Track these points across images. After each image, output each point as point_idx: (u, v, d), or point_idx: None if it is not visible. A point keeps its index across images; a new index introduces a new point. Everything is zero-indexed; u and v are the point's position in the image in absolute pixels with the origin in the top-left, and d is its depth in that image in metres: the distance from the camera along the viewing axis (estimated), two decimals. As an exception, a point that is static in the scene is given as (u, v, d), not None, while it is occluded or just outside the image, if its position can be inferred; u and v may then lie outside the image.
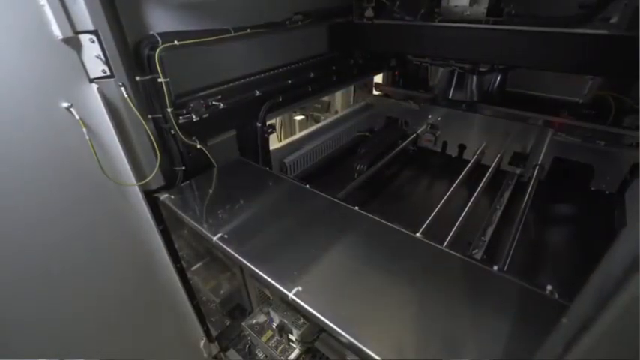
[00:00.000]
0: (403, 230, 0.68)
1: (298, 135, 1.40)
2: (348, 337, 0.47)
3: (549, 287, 0.56)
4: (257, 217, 0.76)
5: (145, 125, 0.75)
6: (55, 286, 0.69)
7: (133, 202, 0.78)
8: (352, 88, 1.78)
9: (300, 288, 0.54)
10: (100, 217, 0.72)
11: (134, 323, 0.88)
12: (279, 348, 1.13)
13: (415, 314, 0.52)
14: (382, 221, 0.71)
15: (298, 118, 1.69)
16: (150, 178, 0.76)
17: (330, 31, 1.31)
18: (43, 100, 0.58)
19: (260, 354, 1.29)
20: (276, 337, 1.14)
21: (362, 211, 0.74)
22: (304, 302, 0.52)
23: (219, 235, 0.67)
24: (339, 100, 1.74)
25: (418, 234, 0.68)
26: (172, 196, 0.82)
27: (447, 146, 1.48)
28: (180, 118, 0.85)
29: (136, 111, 0.72)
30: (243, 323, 1.20)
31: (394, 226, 0.70)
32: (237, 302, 1.40)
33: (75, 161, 0.64)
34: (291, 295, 0.53)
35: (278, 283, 0.55)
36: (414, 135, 1.50)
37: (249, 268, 0.59)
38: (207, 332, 1.17)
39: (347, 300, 0.54)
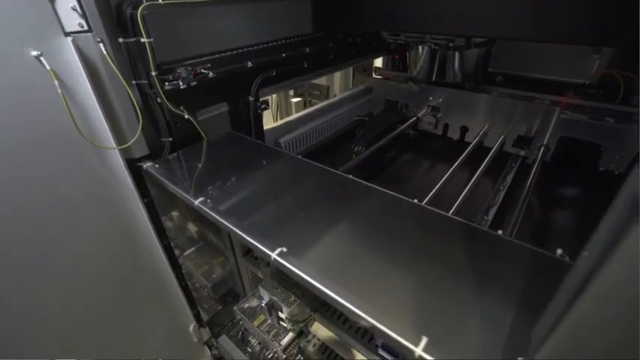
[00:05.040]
0: (393, 193, 0.64)
1: (295, 115, 1.36)
2: (329, 293, 0.42)
3: (559, 251, 0.51)
4: (245, 184, 0.71)
5: (127, 86, 0.71)
6: (22, 260, 0.64)
7: (115, 170, 0.74)
8: (351, 72, 1.74)
9: (284, 249, 0.49)
10: (76, 181, 0.67)
11: (113, 304, 0.83)
12: (272, 332, 1.08)
13: (412, 275, 0.47)
14: (374, 186, 0.66)
15: (295, 100, 1.64)
16: (131, 142, 0.72)
17: (313, 8, 1.21)
18: (7, 46, 0.54)
19: (253, 341, 1.25)
20: (268, 319, 1.10)
21: (354, 178, 0.69)
22: (288, 263, 0.47)
23: (201, 199, 0.62)
24: (338, 85, 1.70)
25: (415, 200, 0.63)
26: (157, 165, 0.78)
27: (449, 129, 1.43)
28: (167, 84, 0.81)
29: (116, 69, 0.68)
30: (235, 307, 1.16)
31: (387, 191, 0.65)
32: (230, 287, 1.36)
33: (45, 116, 0.59)
34: (273, 255, 0.48)
35: (260, 244, 0.50)
36: (415, 118, 1.46)
37: (230, 229, 0.55)
38: (197, 316, 1.13)
39: (335, 262, 0.49)
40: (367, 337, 0.85)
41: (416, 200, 0.63)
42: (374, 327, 0.39)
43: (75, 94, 0.62)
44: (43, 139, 0.60)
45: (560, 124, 1.16)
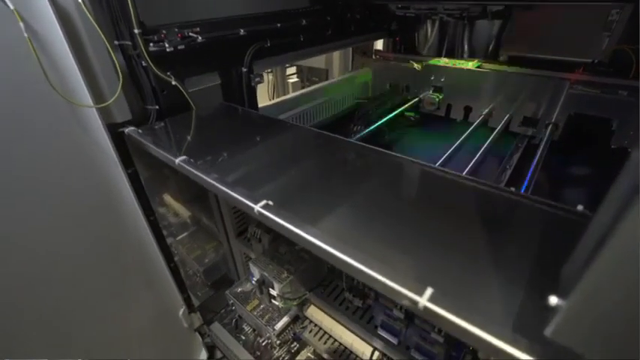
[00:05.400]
0: (394, 154, 0.58)
1: (292, 94, 1.31)
2: (317, 243, 0.36)
3: (580, 207, 0.46)
4: (234, 147, 0.66)
5: (106, 42, 0.66)
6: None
7: (94, 133, 0.69)
8: (350, 55, 1.69)
9: (270, 202, 0.44)
10: (45, 141, 0.61)
11: (91, 283, 0.77)
12: (266, 317, 1.03)
13: (419, 230, 0.42)
14: (377, 148, 0.61)
15: (292, 80, 1.59)
16: (111, 101, 0.67)
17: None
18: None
19: (247, 328, 1.19)
20: (258, 296, 1.04)
21: (349, 139, 0.64)
22: (273, 215, 0.42)
23: (183, 157, 0.57)
24: (337, 67, 1.64)
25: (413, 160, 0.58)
26: (140, 130, 0.72)
27: (452, 109, 1.37)
28: (151, 44, 0.76)
29: (92, 20, 0.62)
30: (227, 292, 1.11)
31: (388, 151, 0.60)
32: (223, 273, 1.31)
33: (8, 63, 0.54)
34: (257, 207, 0.43)
35: (243, 197, 0.45)
36: (416, 99, 1.40)
37: (211, 184, 0.49)
38: (187, 301, 1.07)
39: (329, 216, 0.44)
40: (366, 317, 0.80)
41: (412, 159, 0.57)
42: (372, 279, 0.33)
43: (45, 42, 0.57)
44: (3, 89, 0.54)
45: (569, 100, 1.11)
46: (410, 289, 0.31)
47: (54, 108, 0.60)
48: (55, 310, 0.72)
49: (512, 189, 0.50)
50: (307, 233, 0.38)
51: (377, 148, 0.61)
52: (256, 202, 0.43)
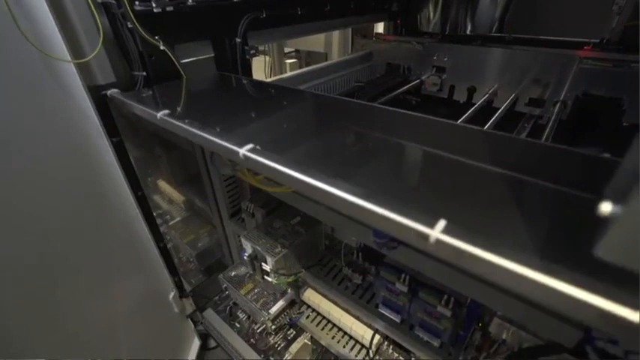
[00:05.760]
0: (398, 110, 0.53)
1: (290, 73, 1.26)
2: (312, 182, 0.31)
3: (607, 155, 0.41)
4: (223, 108, 0.61)
5: (86, -7, 0.61)
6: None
7: (73, 95, 0.64)
8: (350, 37, 1.64)
9: (257, 146, 0.39)
10: (20, 99, 0.56)
11: (74, 260, 0.72)
12: (260, 301, 0.98)
13: (433, 174, 0.37)
14: (377, 105, 0.56)
15: (290, 61, 1.54)
16: (90, 57, 0.62)
17: None
18: None
19: (242, 315, 1.14)
20: (255, 285, 0.99)
21: (351, 99, 0.59)
22: (261, 157, 0.37)
23: (165, 111, 0.52)
24: (337, 50, 1.60)
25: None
26: (125, 94, 0.67)
27: (455, 91, 1.32)
28: (137, 3, 0.71)
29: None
30: (220, 276, 1.06)
31: (389, 107, 0.55)
32: (217, 259, 1.26)
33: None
34: (242, 151, 0.38)
35: (226, 142, 0.40)
36: (418, 80, 1.35)
37: (193, 133, 0.44)
38: (178, 284, 1.02)
39: (324, 160, 0.39)
40: (366, 297, 0.75)
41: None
42: (373, 215, 0.28)
43: (15, -15, 0.52)
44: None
45: (579, 75, 1.05)
46: (420, 222, 0.26)
47: (25, 59, 0.55)
48: (32, 283, 0.66)
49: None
50: (300, 172, 0.33)
51: (380, 106, 0.56)
52: (241, 146, 0.38)
